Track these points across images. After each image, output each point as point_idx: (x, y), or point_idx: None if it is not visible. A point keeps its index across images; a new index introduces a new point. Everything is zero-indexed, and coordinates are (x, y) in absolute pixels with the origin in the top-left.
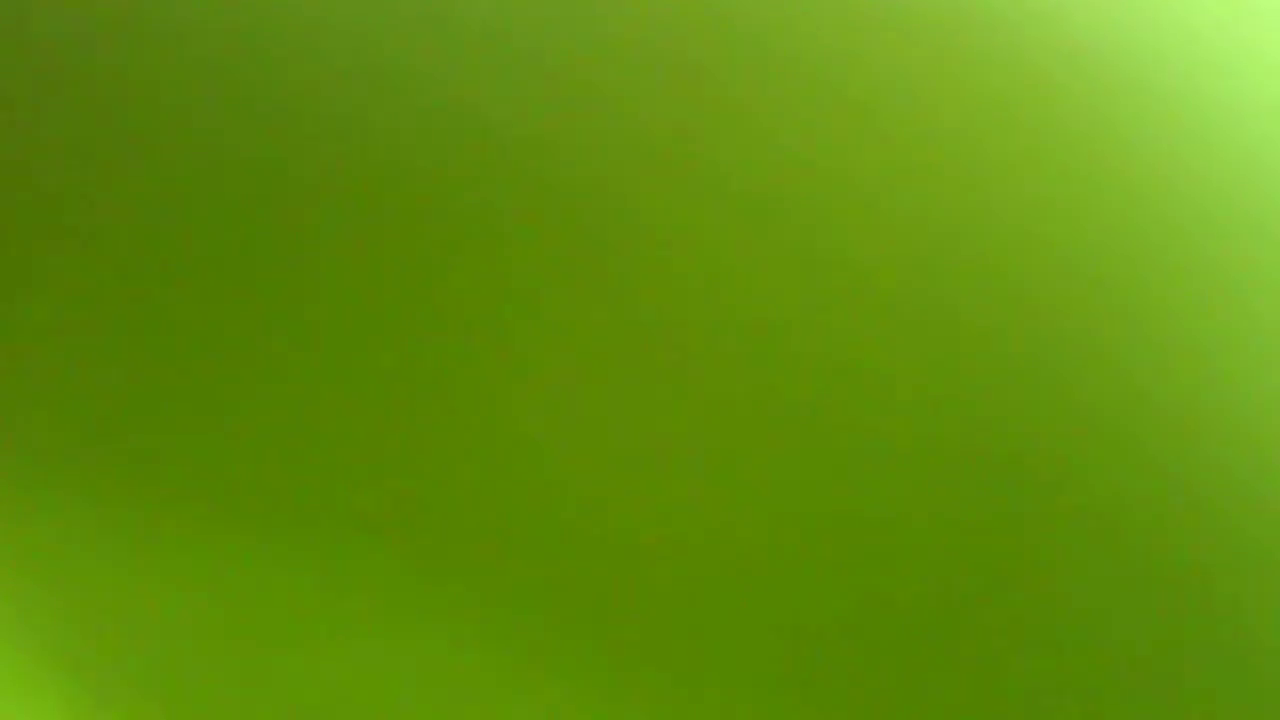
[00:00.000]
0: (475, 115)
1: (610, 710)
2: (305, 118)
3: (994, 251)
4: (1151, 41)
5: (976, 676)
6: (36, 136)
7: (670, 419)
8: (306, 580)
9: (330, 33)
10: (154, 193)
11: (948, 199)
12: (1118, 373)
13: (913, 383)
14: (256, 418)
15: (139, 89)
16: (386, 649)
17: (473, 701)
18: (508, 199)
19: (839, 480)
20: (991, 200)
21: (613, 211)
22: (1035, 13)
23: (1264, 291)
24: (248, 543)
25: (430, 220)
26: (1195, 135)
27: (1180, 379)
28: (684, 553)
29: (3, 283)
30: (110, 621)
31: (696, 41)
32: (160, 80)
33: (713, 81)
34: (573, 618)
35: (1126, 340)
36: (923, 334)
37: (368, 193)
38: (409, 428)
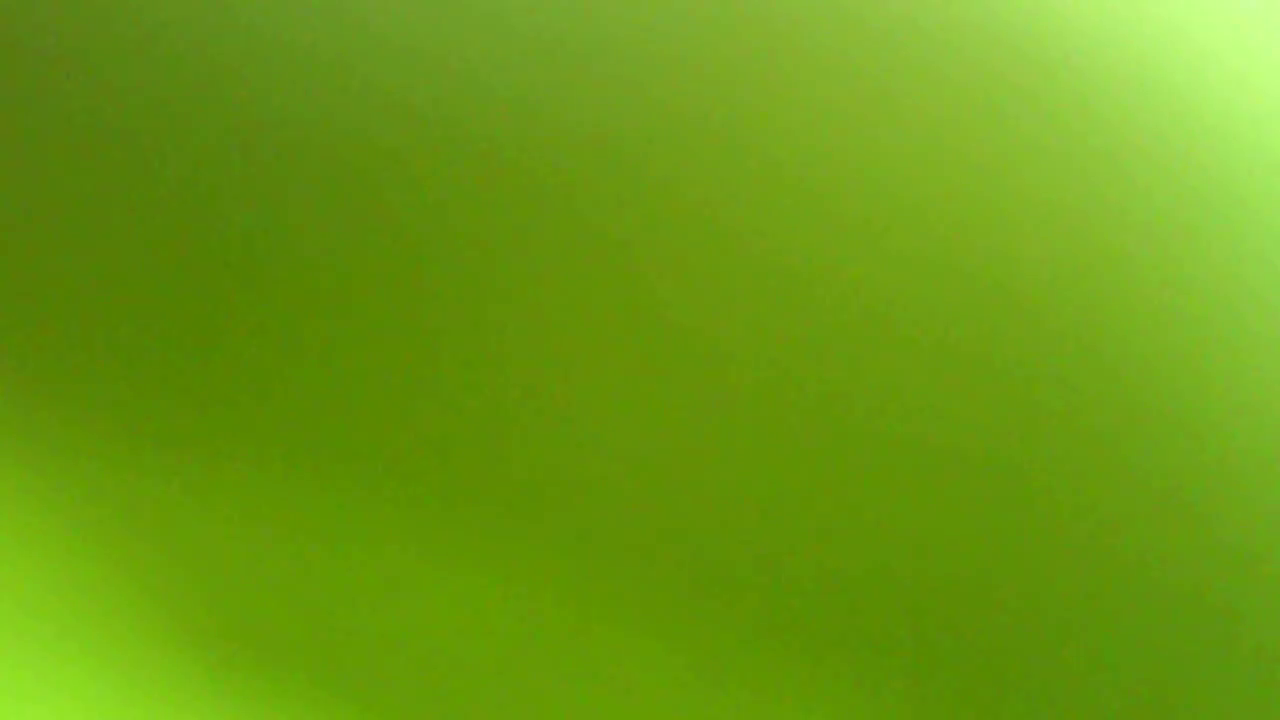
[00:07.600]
0: (467, 122)
1: (659, 654)
2: (308, 117)
3: (987, 260)
4: (1148, 50)
5: (971, 679)
6: (36, 135)
7: (684, 413)
8: (375, 528)
9: (323, 33)
10: (185, 179)
11: (940, 209)
12: (1112, 378)
13: (905, 390)
14: (344, 373)
15: (136, 88)
16: (452, 597)
17: (541, 646)
18: (505, 198)
19: (845, 480)
20: (983, 209)
21: (601, 214)
22: (1031, 23)
23: (1262, 300)
24: (322, 491)
25: (430, 211)
26: (1194, 142)
27: (1175, 384)
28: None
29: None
30: (200, 565)
31: (680, 52)
32: (157, 78)
33: (702, 91)
34: (643, 567)
35: (1121, 346)
36: (916, 339)
37: (370, 186)
38: (481, 384)
